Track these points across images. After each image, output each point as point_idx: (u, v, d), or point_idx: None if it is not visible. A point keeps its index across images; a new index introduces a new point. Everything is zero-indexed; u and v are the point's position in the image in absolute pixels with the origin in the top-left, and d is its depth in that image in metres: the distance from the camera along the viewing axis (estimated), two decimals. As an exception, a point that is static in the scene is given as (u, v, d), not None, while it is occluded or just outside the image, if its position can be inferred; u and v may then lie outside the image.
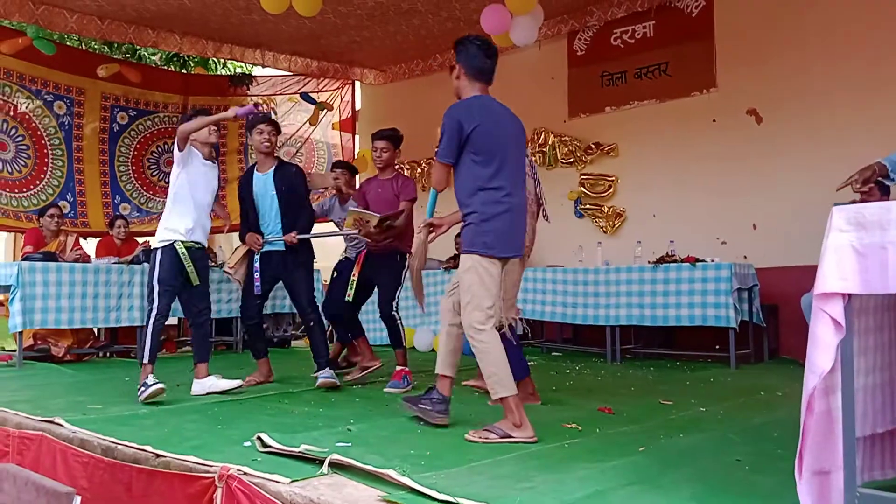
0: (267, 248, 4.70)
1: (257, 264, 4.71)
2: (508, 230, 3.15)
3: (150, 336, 4.16)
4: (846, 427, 1.69)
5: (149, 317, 4.20)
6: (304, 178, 4.96)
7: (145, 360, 4.11)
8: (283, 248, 4.67)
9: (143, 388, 4.01)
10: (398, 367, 4.69)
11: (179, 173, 4.26)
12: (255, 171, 4.73)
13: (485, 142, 3.14)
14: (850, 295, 1.72)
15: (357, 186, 5.52)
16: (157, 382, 4.00)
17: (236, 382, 4.32)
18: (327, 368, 4.57)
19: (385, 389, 4.54)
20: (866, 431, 1.86)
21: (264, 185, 4.68)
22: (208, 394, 4.23)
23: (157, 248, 4.23)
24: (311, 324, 4.70)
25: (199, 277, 4.34)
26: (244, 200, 4.76)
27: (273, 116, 9.37)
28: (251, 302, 4.77)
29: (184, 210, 4.25)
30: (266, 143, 4.64)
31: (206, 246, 4.50)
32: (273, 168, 4.68)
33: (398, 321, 4.82)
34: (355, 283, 4.86)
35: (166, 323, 6.93)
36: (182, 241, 4.22)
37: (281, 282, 4.86)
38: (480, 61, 3.30)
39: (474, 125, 3.14)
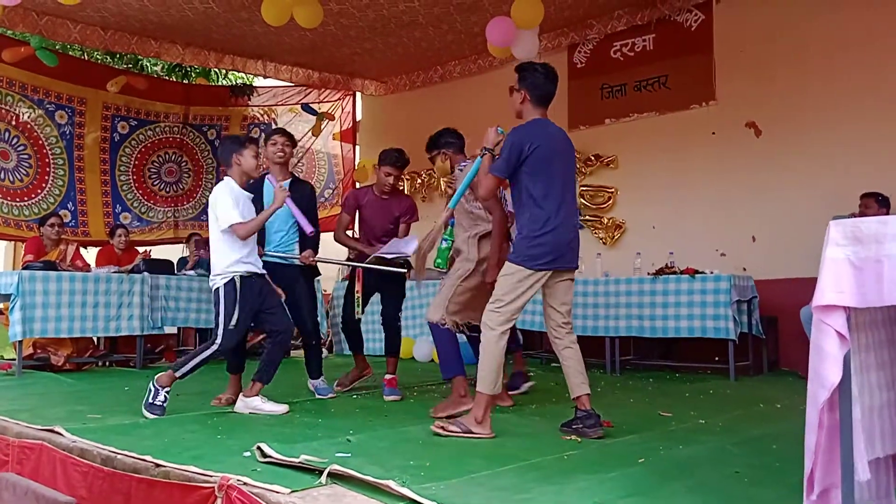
0: (272, 260, 4.55)
1: None
2: (555, 245, 3.41)
3: (199, 362, 3.98)
4: (844, 441, 1.70)
5: (209, 345, 3.99)
6: (315, 196, 5.05)
7: (177, 374, 3.96)
8: (290, 264, 4.60)
9: (151, 398, 3.90)
10: (391, 375, 4.72)
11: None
12: (267, 183, 4.57)
13: (538, 163, 3.42)
14: (850, 308, 1.73)
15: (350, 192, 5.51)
16: (162, 408, 3.91)
17: (283, 408, 4.12)
18: (321, 378, 4.67)
19: (386, 398, 4.58)
20: (883, 452, 1.85)
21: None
22: (250, 413, 4.07)
23: (218, 287, 4.03)
24: (313, 342, 4.70)
25: (274, 303, 4.21)
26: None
27: (273, 127, 9.47)
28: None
29: (244, 246, 4.09)
30: (280, 154, 4.61)
31: (263, 273, 4.28)
32: (289, 182, 4.60)
33: (399, 331, 4.90)
34: (360, 298, 4.84)
35: (167, 331, 7.00)
36: (239, 275, 4.06)
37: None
38: (545, 88, 3.58)
39: (535, 146, 3.41)
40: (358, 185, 8.93)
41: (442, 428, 3.31)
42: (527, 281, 3.37)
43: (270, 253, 4.57)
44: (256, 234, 4.20)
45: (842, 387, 1.70)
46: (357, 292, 4.83)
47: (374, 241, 4.90)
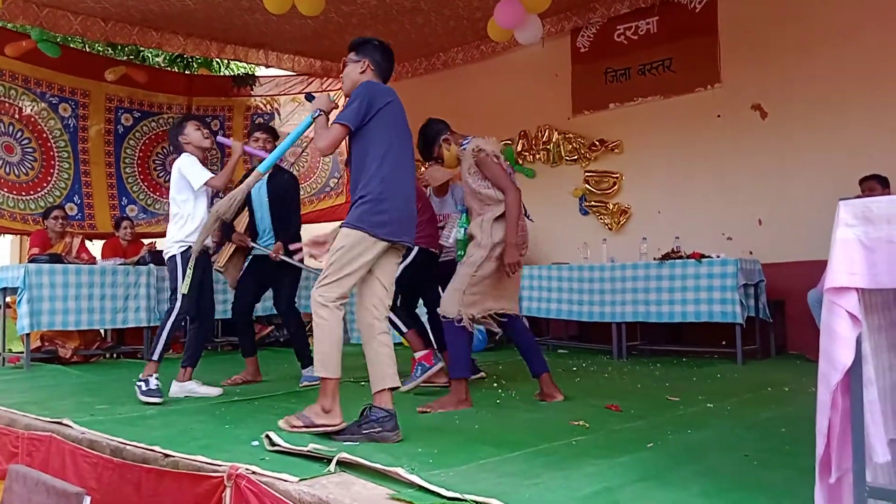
0: (260, 252, 4.81)
1: (246, 264, 4.91)
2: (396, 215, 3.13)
3: (167, 335, 4.13)
4: (855, 423, 1.68)
5: (168, 315, 4.15)
6: (297, 185, 5.07)
7: (154, 358, 4.09)
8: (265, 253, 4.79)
9: (143, 386, 4.01)
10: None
11: (189, 197, 4.23)
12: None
13: (387, 123, 3.19)
14: (861, 289, 1.72)
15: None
16: (158, 393, 3.99)
17: (216, 391, 4.33)
18: (311, 367, 4.55)
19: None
20: None
21: (258, 190, 4.77)
22: (185, 397, 4.25)
23: (174, 255, 4.18)
24: (294, 329, 4.84)
25: (208, 279, 4.40)
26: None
27: (276, 118, 9.44)
28: (243, 300, 4.86)
29: (197, 215, 4.24)
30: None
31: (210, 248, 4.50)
32: (268, 175, 4.66)
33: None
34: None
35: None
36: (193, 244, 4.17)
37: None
38: (384, 64, 3.41)
39: (387, 102, 3.21)
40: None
41: (286, 423, 3.07)
42: (371, 250, 3.06)
43: (257, 246, 4.82)
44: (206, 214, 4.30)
45: (853, 369, 1.68)
46: None
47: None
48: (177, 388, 4.31)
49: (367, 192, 3.10)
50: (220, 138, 4.46)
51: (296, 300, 5.00)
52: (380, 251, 3.10)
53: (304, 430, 3.01)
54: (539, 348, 4.18)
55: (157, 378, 4.06)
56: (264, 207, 4.84)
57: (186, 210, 4.22)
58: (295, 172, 5.62)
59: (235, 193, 3.64)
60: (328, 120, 3.28)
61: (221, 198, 3.87)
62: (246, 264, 4.93)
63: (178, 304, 4.13)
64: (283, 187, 4.84)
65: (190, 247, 4.15)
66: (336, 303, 3.06)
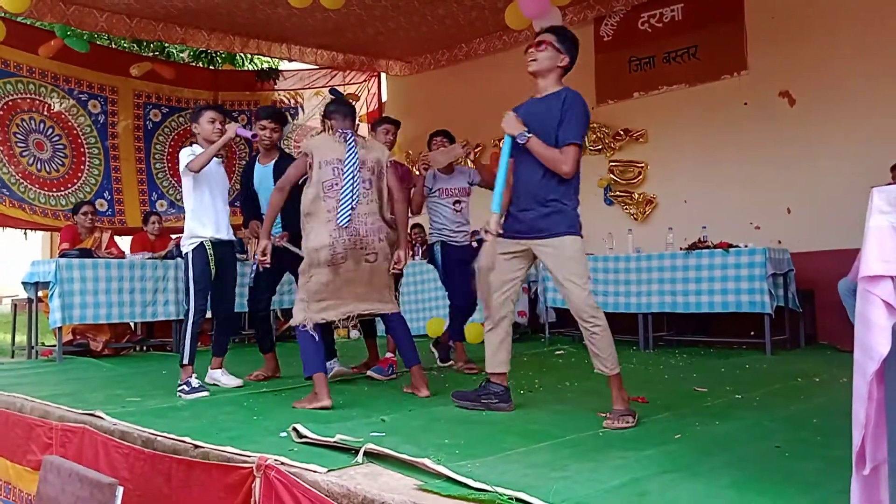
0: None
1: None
2: None
3: (191, 337, 4.16)
4: (890, 414, 1.65)
5: (186, 317, 4.21)
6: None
7: (185, 362, 4.12)
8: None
9: (185, 388, 4.05)
10: (387, 355, 4.76)
11: (193, 186, 4.23)
12: (256, 162, 4.75)
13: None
14: (896, 277, 1.68)
15: None
16: (203, 388, 4.07)
17: (237, 381, 4.39)
18: (334, 360, 4.62)
19: (368, 373, 4.67)
20: None
21: (266, 177, 4.65)
22: (212, 384, 4.32)
23: (187, 252, 4.23)
24: None
25: (230, 274, 4.40)
26: (245, 189, 4.80)
27: (301, 112, 9.48)
28: (260, 295, 4.75)
29: (206, 208, 4.25)
30: (266, 140, 4.65)
31: (233, 241, 4.49)
32: (274, 161, 4.66)
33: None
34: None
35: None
36: (209, 239, 4.23)
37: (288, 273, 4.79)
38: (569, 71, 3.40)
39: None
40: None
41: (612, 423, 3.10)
42: None
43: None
44: (224, 205, 4.35)
45: (889, 359, 1.65)
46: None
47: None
48: (207, 377, 4.39)
49: (573, 203, 3.29)
50: (239, 129, 4.35)
51: None
52: None
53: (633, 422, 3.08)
54: (411, 341, 4.07)
55: (195, 377, 4.12)
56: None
57: (190, 204, 4.23)
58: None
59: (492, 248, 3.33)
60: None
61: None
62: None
63: (191, 305, 4.16)
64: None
65: (203, 243, 4.17)
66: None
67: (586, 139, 7.63)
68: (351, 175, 3.70)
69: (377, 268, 3.83)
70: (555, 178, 3.21)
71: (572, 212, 3.27)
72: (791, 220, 6.29)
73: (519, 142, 3.21)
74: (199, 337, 7.01)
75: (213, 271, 4.22)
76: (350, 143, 3.77)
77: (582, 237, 3.29)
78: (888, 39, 5.81)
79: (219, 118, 4.29)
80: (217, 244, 4.24)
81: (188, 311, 4.20)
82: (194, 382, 4.08)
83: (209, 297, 4.30)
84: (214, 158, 4.27)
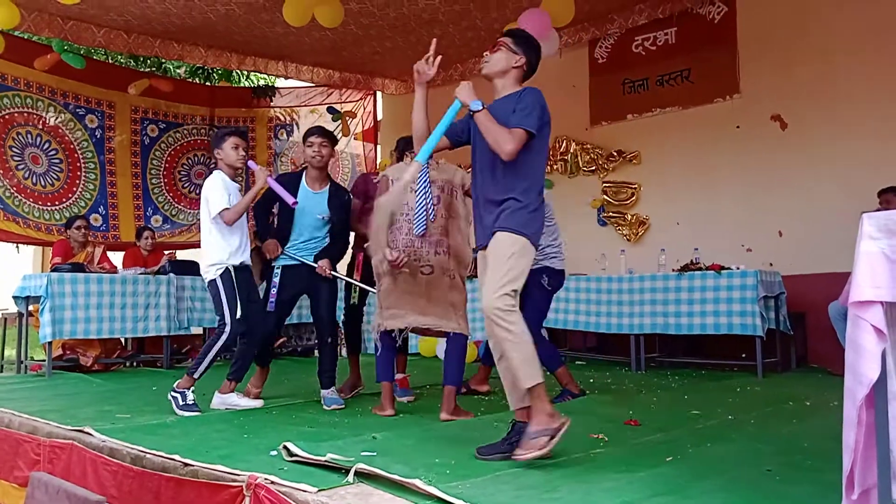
0: (289, 262, 4.42)
1: (277, 279, 4.42)
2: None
3: (214, 354, 4.09)
4: (880, 438, 1.66)
5: (217, 338, 4.11)
6: (351, 205, 4.70)
7: (196, 375, 4.08)
8: (309, 264, 4.43)
9: (179, 400, 4.01)
10: (401, 375, 4.64)
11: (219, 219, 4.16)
12: (303, 183, 4.45)
13: (545, 137, 3.10)
14: (887, 303, 1.70)
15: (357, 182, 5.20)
16: (196, 407, 4.02)
17: (258, 403, 4.27)
18: (332, 388, 4.39)
19: (399, 399, 4.46)
20: None
21: (315, 204, 4.43)
22: (226, 410, 4.17)
23: (213, 279, 4.13)
24: (329, 340, 4.49)
25: (255, 297, 4.33)
26: (272, 202, 4.51)
27: (296, 129, 9.52)
28: (272, 319, 4.42)
29: (234, 237, 4.19)
30: (318, 157, 4.40)
31: (249, 265, 4.37)
32: (328, 189, 4.48)
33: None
34: (357, 286, 4.66)
35: (193, 331, 7.05)
36: (232, 265, 4.17)
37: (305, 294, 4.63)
38: (534, 70, 3.25)
39: (548, 117, 3.07)
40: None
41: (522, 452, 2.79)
42: (530, 258, 2.96)
43: (288, 253, 4.42)
44: (246, 230, 4.28)
45: (878, 384, 1.66)
46: (356, 278, 4.65)
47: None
48: (218, 401, 4.23)
49: (530, 201, 2.96)
50: (250, 162, 4.25)
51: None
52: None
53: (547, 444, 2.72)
54: (459, 363, 3.98)
55: (192, 392, 4.07)
56: (313, 225, 4.43)
57: (213, 232, 4.16)
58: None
59: (400, 187, 3.45)
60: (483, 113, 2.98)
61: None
62: (276, 279, 4.42)
63: (227, 329, 4.08)
64: (345, 208, 4.55)
65: (228, 269, 4.12)
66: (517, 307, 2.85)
67: (580, 159, 7.72)
68: (424, 192, 3.84)
69: (434, 281, 3.91)
70: (509, 175, 2.95)
71: (526, 212, 2.93)
72: (782, 243, 6.33)
73: (472, 109, 2.99)
74: (189, 353, 7.00)
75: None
76: (423, 169, 3.84)
77: (527, 239, 2.91)
78: (879, 65, 5.88)
79: (242, 144, 4.25)
80: (238, 269, 4.20)
81: (222, 332, 4.10)
82: (189, 397, 4.04)
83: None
84: (233, 184, 4.26)
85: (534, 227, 2.97)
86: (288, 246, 4.44)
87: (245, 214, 4.26)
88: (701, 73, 6.93)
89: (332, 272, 4.43)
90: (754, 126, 6.53)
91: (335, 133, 9.43)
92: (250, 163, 4.31)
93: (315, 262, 4.42)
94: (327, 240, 4.49)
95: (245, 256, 4.26)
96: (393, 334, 4.02)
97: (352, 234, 4.80)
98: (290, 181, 4.45)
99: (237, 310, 4.12)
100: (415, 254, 3.86)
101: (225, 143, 4.24)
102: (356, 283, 4.66)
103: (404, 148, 4.33)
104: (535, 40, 3.25)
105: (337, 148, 9.59)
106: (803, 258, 6.08)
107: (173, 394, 4.05)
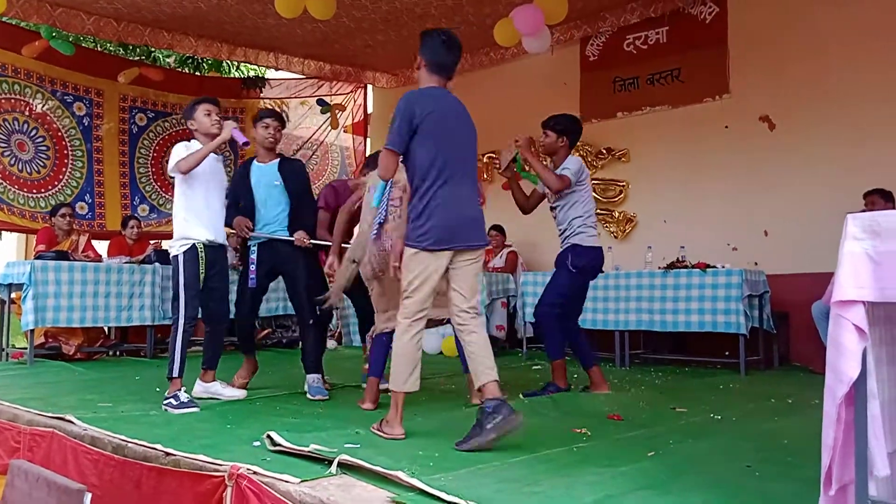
0: (263, 239, 4.41)
1: (254, 255, 4.41)
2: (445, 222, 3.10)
3: (180, 347, 3.83)
4: (859, 436, 1.68)
5: (175, 326, 3.87)
6: (307, 173, 4.84)
7: (174, 375, 3.82)
8: (285, 241, 4.39)
9: (173, 402, 3.76)
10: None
11: (186, 184, 3.97)
12: (254, 163, 4.50)
13: (430, 131, 3.13)
14: (868, 302, 1.71)
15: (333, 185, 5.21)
16: (192, 403, 3.78)
17: (241, 393, 4.19)
18: (317, 375, 4.37)
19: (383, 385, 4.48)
20: (894, 446, 1.83)
21: (267, 175, 4.42)
22: (209, 398, 4.09)
23: (176, 255, 3.93)
24: (311, 322, 4.41)
25: (222, 280, 4.11)
26: (237, 189, 4.48)
27: (286, 121, 9.47)
28: (248, 299, 4.47)
29: (199, 208, 3.97)
30: (270, 139, 4.43)
31: (226, 245, 4.22)
32: (277, 160, 4.49)
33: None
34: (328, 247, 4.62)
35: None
36: (202, 242, 3.94)
37: (280, 276, 4.61)
38: (444, 57, 3.27)
39: (427, 112, 3.12)
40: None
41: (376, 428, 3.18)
42: (431, 264, 3.08)
43: (260, 233, 4.40)
44: (221, 207, 4.12)
45: (858, 382, 1.68)
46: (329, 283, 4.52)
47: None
48: (200, 388, 4.13)
49: (411, 208, 3.17)
50: (234, 131, 4.00)
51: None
52: (444, 261, 3.10)
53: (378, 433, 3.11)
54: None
55: (184, 391, 3.84)
56: (274, 193, 4.41)
57: (181, 203, 3.93)
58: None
59: (363, 239, 3.89)
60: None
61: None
62: (254, 255, 4.42)
63: (181, 315, 3.84)
64: (299, 173, 4.56)
65: (195, 245, 3.89)
66: (411, 319, 3.13)
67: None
68: (381, 194, 3.85)
69: None
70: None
71: (410, 222, 3.15)
72: (768, 243, 6.38)
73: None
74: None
75: (202, 276, 3.94)
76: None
77: (414, 249, 3.09)
78: (867, 67, 5.93)
79: (214, 110, 4.03)
80: (209, 247, 3.95)
81: (177, 319, 3.86)
82: (183, 397, 3.78)
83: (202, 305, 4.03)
84: (213, 155, 4.03)
85: (413, 235, 3.12)
86: (258, 227, 4.44)
87: (214, 188, 4.04)
88: (691, 73, 6.96)
89: (311, 241, 4.42)
90: (743, 126, 6.57)
91: (318, 124, 9.45)
92: (234, 131, 4.00)
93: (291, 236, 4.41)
94: (287, 215, 4.44)
95: (216, 234, 4.01)
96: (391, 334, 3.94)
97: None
98: (243, 169, 4.54)
99: (195, 295, 3.87)
100: (388, 256, 3.77)
101: (196, 111, 4.01)
102: (334, 242, 4.55)
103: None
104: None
105: (327, 140, 9.63)
106: (788, 258, 6.12)
107: (166, 401, 3.78)
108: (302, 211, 4.50)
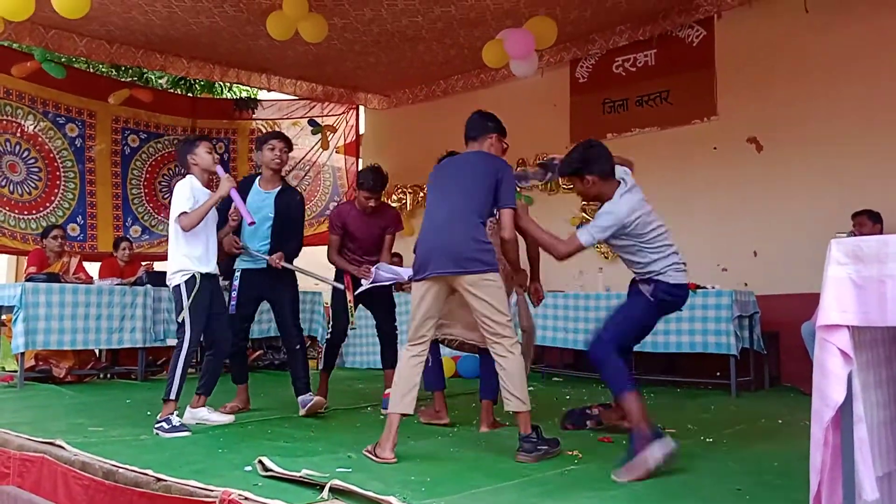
0: (250, 265, 4.51)
1: (237, 282, 4.52)
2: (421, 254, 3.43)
3: (181, 371, 3.92)
4: (846, 460, 1.70)
5: (178, 350, 3.95)
6: (304, 207, 4.87)
7: (171, 397, 3.87)
8: (268, 268, 4.48)
9: (165, 426, 3.79)
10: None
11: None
12: (256, 185, 4.57)
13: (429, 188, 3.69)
14: (853, 326, 1.74)
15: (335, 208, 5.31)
16: (184, 427, 3.83)
17: (228, 418, 4.21)
18: (309, 392, 4.44)
19: (383, 410, 4.51)
20: (888, 468, 1.85)
21: (263, 202, 4.51)
22: (197, 424, 4.08)
23: (178, 284, 4.00)
24: (297, 347, 4.52)
25: (220, 307, 4.22)
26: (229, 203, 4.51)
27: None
28: (239, 325, 4.52)
29: (196, 244, 4.07)
30: (277, 161, 4.50)
31: (219, 275, 4.29)
32: (277, 189, 4.56)
33: (396, 341, 4.87)
34: (353, 307, 4.75)
35: (169, 343, 6.99)
36: (200, 273, 4.04)
37: (266, 302, 4.70)
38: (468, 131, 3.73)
39: (430, 179, 3.70)
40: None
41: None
42: (416, 292, 3.41)
43: (249, 250, 4.46)
44: (214, 237, 4.19)
45: (844, 406, 1.70)
46: (349, 301, 4.73)
47: (362, 254, 4.86)
48: (188, 415, 4.13)
49: None
50: (219, 168, 4.17)
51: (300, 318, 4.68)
52: (426, 289, 3.37)
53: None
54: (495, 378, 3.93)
55: (177, 415, 3.89)
56: (261, 229, 4.48)
57: (180, 238, 4.03)
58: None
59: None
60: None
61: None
62: (237, 282, 4.53)
63: (186, 338, 3.94)
64: (294, 206, 4.62)
65: (194, 275, 4.00)
66: (409, 343, 3.41)
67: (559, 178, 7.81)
68: None
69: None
70: None
71: None
72: (757, 263, 6.42)
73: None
74: (164, 366, 6.92)
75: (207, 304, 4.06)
76: None
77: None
78: (855, 89, 6.01)
79: (213, 148, 4.23)
80: (206, 277, 4.06)
81: (181, 342, 3.95)
82: (175, 420, 3.82)
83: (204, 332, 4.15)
84: (206, 190, 4.14)
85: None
86: (242, 257, 4.53)
87: (211, 222, 4.15)
88: (679, 95, 7.05)
89: (285, 264, 4.47)
90: (731, 147, 6.64)
91: (311, 145, 9.47)
92: (219, 168, 4.19)
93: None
94: (270, 245, 4.52)
95: (211, 266, 4.13)
96: (442, 343, 4.19)
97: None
98: (244, 184, 4.55)
99: (200, 319, 3.99)
100: None
101: (199, 147, 4.15)
102: (310, 273, 4.67)
103: None
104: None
105: (318, 161, 9.66)
106: (777, 278, 6.16)
107: (157, 425, 3.81)
108: (282, 240, 4.54)
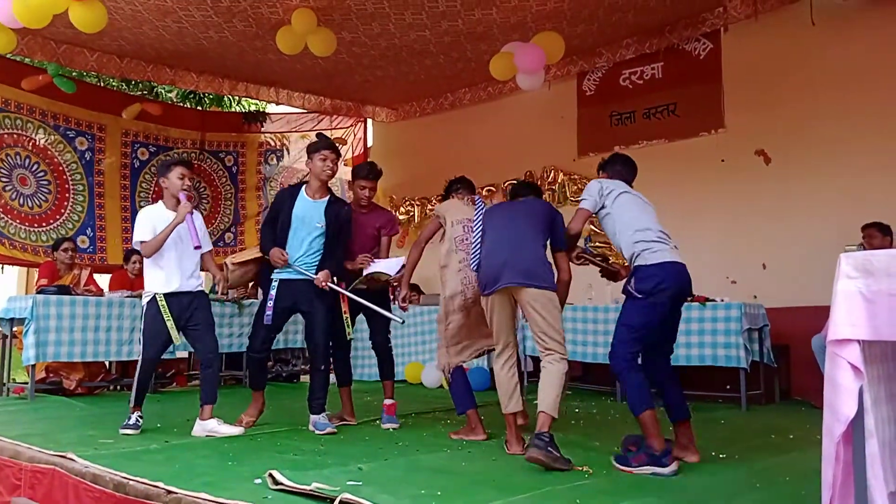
0: (289, 276, 4.40)
1: (274, 291, 4.41)
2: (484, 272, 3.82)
3: (136, 383, 4.32)
4: (858, 475, 1.70)
5: (138, 365, 4.37)
6: (351, 218, 4.67)
7: (132, 404, 4.30)
8: (306, 280, 4.39)
9: (123, 423, 4.26)
10: (390, 401, 4.64)
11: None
12: (303, 193, 4.48)
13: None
14: (864, 341, 1.74)
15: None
16: (136, 425, 4.24)
17: (238, 430, 4.24)
18: (322, 415, 4.39)
19: (384, 425, 4.54)
20: (894, 485, 1.84)
21: (313, 211, 4.43)
22: (207, 436, 4.14)
23: (142, 305, 4.37)
24: (321, 368, 4.46)
25: (199, 320, 4.32)
26: (277, 216, 4.47)
27: (286, 154, 9.57)
28: (262, 333, 4.45)
29: (161, 263, 4.25)
30: (328, 171, 4.45)
31: (199, 290, 4.38)
32: (327, 199, 4.48)
33: (391, 352, 4.84)
34: (349, 318, 4.61)
35: (178, 355, 7.01)
36: (162, 293, 4.23)
37: (299, 314, 4.61)
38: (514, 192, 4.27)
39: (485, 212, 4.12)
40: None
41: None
42: (486, 307, 3.84)
43: (294, 266, 4.38)
44: (190, 256, 4.30)
45: (856, 420, 1.70)
46: (344, 313, 4.58)
47: (356, 255, 4.73)
48: (198, 428, 4.22)
49: None
50: (182, 194, 4.28)
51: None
52: (493, 303, 3.77)
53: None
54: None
55: (138, 415, 4.27)
56: (313, 232, 4.42)
57: (148, 259, 4.28)
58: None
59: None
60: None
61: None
62: (273, 292, 4.42)
63: (141, 356, 4.31)
64: (344, 218, 4.53)
65: (154, 297, 4.22)
66: (497, 351, 3.89)
67: (567, 189, 7.83)
68: (481, 229, 4.03)
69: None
70: None
71: None
72: (766, 276, 6.41)
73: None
74: (173, 378, 6.99)
75: (170, 324, 4.22)
76: (479, 205, 4.22)
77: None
78: (864, 100, 6.01)
79: (188, 174, 4.36)
80: (172, 297, 4.24)
81: (139, 360, 4.35)
82: (132, 420, 4.24)
83: (191, 342, 4.47)
84: (170, 211, 4.29)
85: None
86: (291, 260, 4.41)
87: (184, 242, 4.25)
88: (687, 108, 7.06)
89: (330, 284, 4.39)
90: (739, 160, 6.64)
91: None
92: (182, 195, 4.29)
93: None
94: (319, 255, 4.46)
95: (179, 284, 4.26)
96: (465, 364, 4.35)
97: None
98: (289, 192, 4.58)
99: (153, 340, 4.25)
100: (474, 286, 4.08)
101: (171, 172, 4.31)
102: (355, 297, 4.51)
103: (450, 188, 4.58)
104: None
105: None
106: (787, 291, 6.14)
107: (122, 424, 4.25)
108: (333, 255, 4.49)
